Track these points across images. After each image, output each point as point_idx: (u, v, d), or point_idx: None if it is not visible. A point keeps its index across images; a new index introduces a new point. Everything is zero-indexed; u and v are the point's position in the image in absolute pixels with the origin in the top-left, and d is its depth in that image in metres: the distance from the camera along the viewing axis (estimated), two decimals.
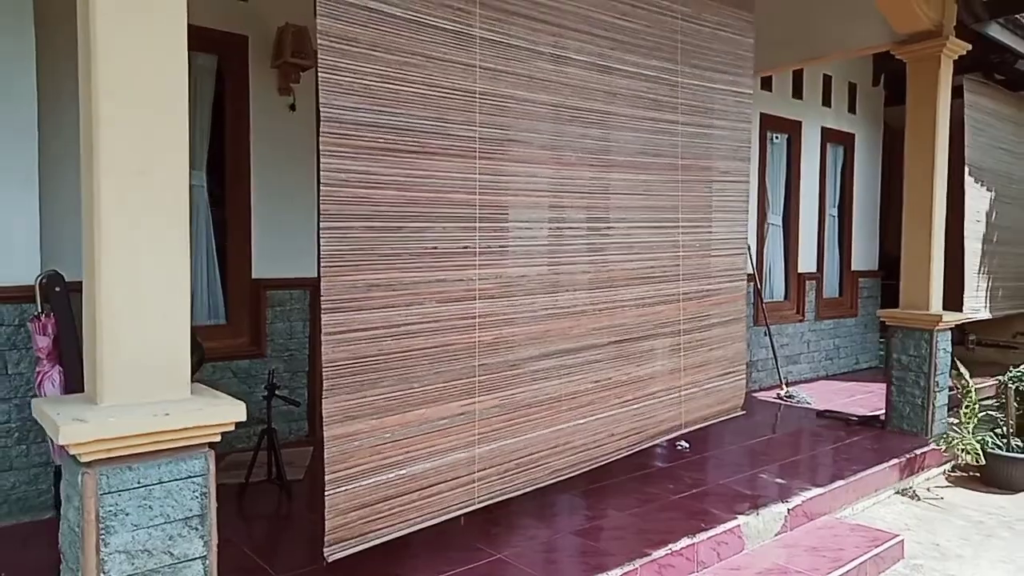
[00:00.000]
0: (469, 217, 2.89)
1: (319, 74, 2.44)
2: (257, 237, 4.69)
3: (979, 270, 7.97)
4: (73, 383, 3.04)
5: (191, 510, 1.91)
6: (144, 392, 1.86)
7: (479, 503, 2.99)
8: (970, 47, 5.40)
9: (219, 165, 4.61)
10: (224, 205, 4.63)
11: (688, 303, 3.97)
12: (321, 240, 2.49)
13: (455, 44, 2.81)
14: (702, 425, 4.23)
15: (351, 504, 2.54)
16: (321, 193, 2.47)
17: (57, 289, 2.88)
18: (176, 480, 1.87)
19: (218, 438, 1.91)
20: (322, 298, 2.52)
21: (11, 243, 3.31)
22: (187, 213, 1.96)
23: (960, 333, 8.89)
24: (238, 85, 4.60)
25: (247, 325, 4.65)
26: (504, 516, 3.45)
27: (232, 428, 1.92)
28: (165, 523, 1.86)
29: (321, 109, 2.44)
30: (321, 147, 2.46)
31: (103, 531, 1.78)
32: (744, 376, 4.52)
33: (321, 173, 2.47)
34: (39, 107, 3.41)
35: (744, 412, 4.65)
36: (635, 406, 3.69)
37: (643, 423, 3.76)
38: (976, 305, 7.91)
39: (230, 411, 1.90)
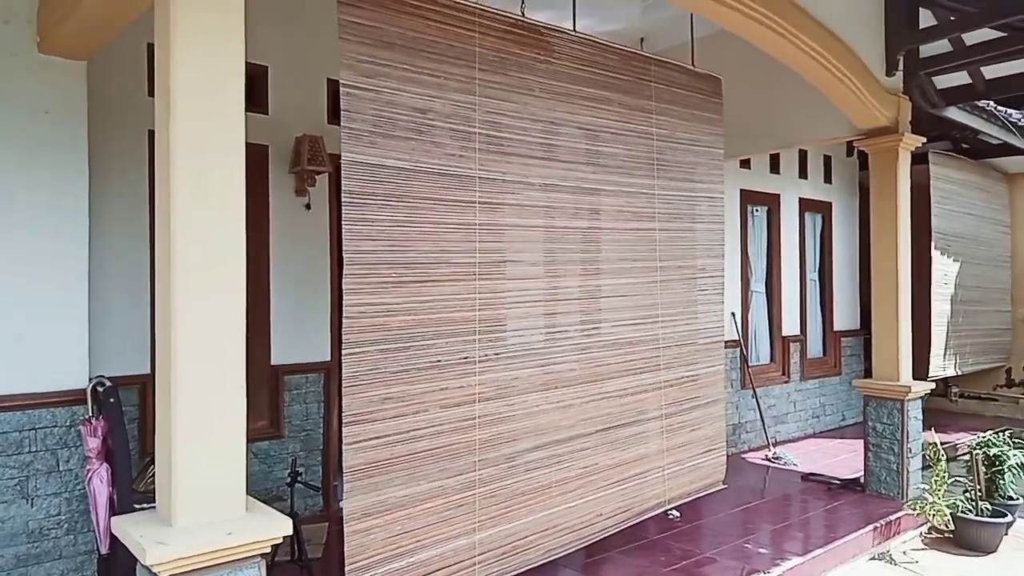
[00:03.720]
0: (469, 331, 3.33)
1: (344, 226, 2.89)
2: (275, 326, 5.12)
3: (948, 329, 8.39)
4: (121, 479, 3.43)
5: None
6: (210, 512, 2.28)
7: None
8: (925, 140, 5.93)
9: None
10: (246, 296, 5.05)
11: (670, 389, 4.38)
12: (343, 363, 2.91)
13: (457, 186, 3.29)
14: (685, 500, 4.61)
15: None
16: (344, 325, 2.90)
17: (112, 400, 3.30)
18: None
19: (269, 549, 2.31)
20: (343, 413, 2.92)
21: (65, 354, 3.72)
22: (244, 358, 2.40)
23: (943, 386, 9.28)
24: (259, 188, 5.07)
25: (267, 408, 5.05)
26: None
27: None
28: None
29: (345, 256, 2.89)
30: (345, 287, 2.90)
31: None
32: (724, 453, 4.91)
33: (344, 308, 2.90)
34: (90, 235, 3.87)
35: (726, 487, 5.02)
36: (621, 487, 4.09)
37: (629, 502, 4.14)
38: (943, 363, 8.32)
39: (279, 527, 2.33)
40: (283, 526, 2.34)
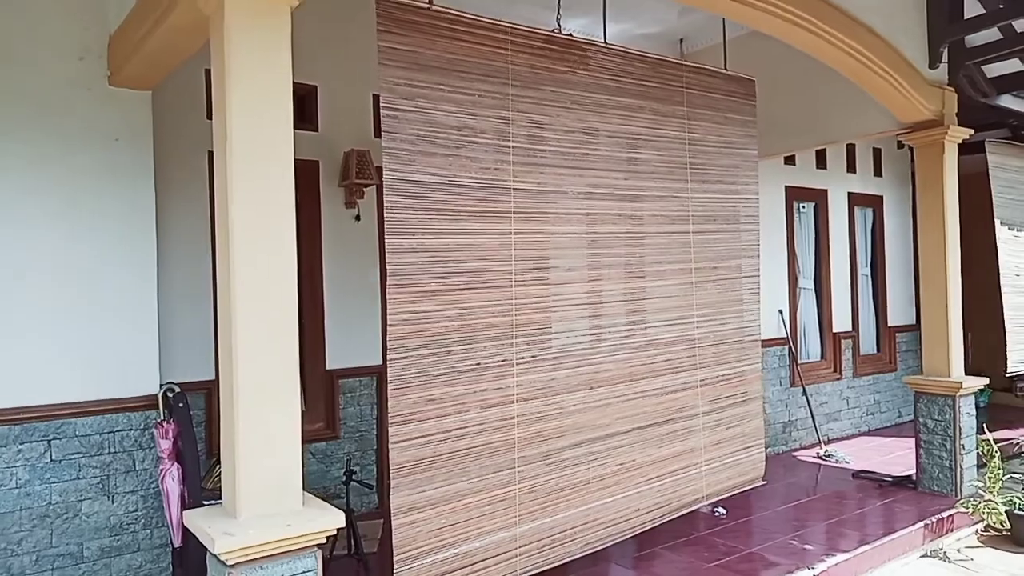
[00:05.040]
0: (507, 335, 3.50)
1: (387, 240, 3.10)
2: (329, 332, 5.40)
3: None
4: (191, 478, 3.72)
5: None
6: (270, 505, 2.51)
7: (521, 574, 3.53)
8: (972, 131, 5.81)
9: (296, 271, 5.35)
10: (301, 305, 5.33)
11: (705, 388, 4.47)
12: (388, 368, 3.12)
13: (493, 198, 3.47)
14: (724, 496, 4.69)
15: None
16: (389, 332, 3.11)
17: (181, 405, 3.59)
18: (295, 575, 2.48)
19: (324, 540, 2.52)
20: (389, 413, 3.13)
21: (138, 363, 4.03)
22: (297, 364, 2.63)
23: (1008, 381, 8.97)
24: (311, 202, 5.35)
25: (323, 411, 5.32)
26: None
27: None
28: None
29: (388, 267, 3.10)
30: (388, 297, 3.11)
31: None
32: (763, 450, 4.95)
33: (388, 316, 3.11)
34: (158, 252, 4.18)
35: (766, 482, 5.06)
36: (659, 483, 4.21)
37: (666, 498, 4.26)
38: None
39: (333, 520, 2.54)
40: (336, 519, 2.55)
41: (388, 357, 3.10)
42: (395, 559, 3.08)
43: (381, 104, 3.14)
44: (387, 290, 3.11)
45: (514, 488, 3.49)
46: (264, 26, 2.61)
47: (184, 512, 2.71)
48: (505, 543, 3.45)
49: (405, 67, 3.18)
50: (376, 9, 3.12)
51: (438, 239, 3.26)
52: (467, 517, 3.32)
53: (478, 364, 3.37)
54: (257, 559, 2.42)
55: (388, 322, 3.10)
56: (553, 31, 4.04)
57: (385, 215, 3.10)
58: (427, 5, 3.29)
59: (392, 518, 3.09)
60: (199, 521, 2.51)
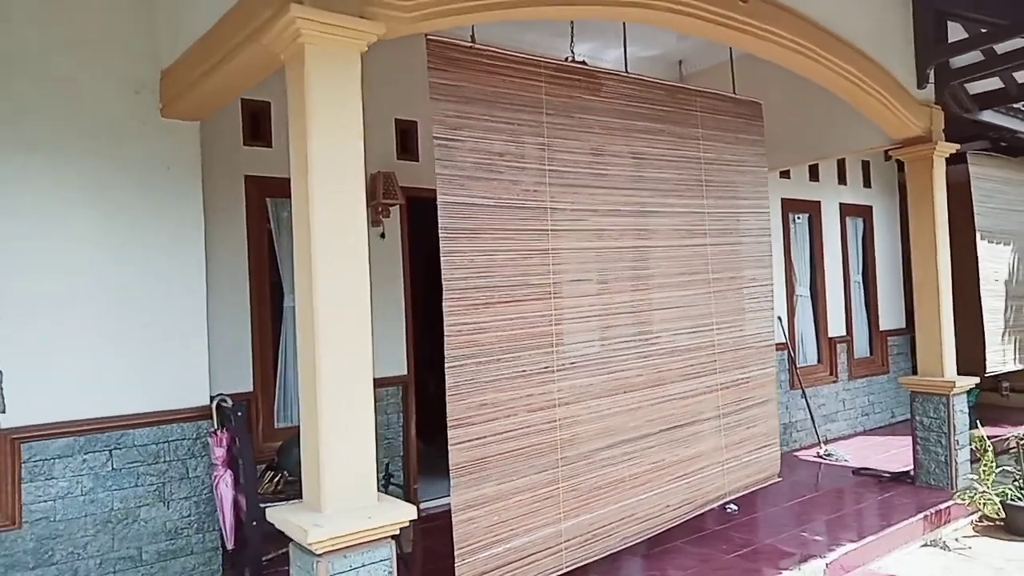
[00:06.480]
0: (548, 344, 3.78)
1: (442, 258, 3.37)
2: None
3: (1005, 325, 8.51)
4: (249, 484, 3.95)
5: None
6: (350, 500, 2.76)
7: (567, 567, 3.81)
8: (958, 146, 6.20)
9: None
10: None
11: (726, 391, 4.79)
12: (446, 374, 3.39)
13: (533, 217, 3.76)
14: (744, 492, 4.99)
15: (473, 573, 3.38)
16: (445, 341, 3.38)
17: (240, 414, 3.82)
18: (374, 563, 2.75)
19: (398, 532, 2.77)
20: (448, 418, 3.38)
21: (190, 377, 4.26)
22: (371, 372, 2.89)
23: (994, 381, 9.38)
24: None
25: None
26: None
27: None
28: None
29: (444, 283, 3.37)
30: (444, 309, 3.38)
31: None
32: (778, 448, 5.27)
33: (445, 327, 3.38)
34: (207, 273, 4.41)
35: (781, 479, 5.37)
36: (686, 480, 4.51)
37: (693, 494, 4.55)
38: (1002, 359, 8.43)
39: (406, 512, 2.80)
40: (409, 512, 2.81)
41: (445, 365, 3.36)
42: (456, 554, 3.34)
43: (434, 135, 3.42)
44: (443, 303, 3.38)
45: (558, 487, 3.76)
46: (339, 68, 2.87)
47: (268, 510, 2.94)
48: (551, 538, 3.72)
49: (453, 100, 3.47)
50: (426, 48, 3.40)
51: (485, 255, 3.54)
52: (517, 514, 3.58)
53: (523, 371, 3.65)
54: (342, 548, 2.67)
55: (445, 332, 3.37)
56: (566, 59, 4.36)
57: (440, 235, 3.37)
58: (469, 44, 3.58)
59: (453, 515, 3.34)
60: (288, 515, 2.74)
